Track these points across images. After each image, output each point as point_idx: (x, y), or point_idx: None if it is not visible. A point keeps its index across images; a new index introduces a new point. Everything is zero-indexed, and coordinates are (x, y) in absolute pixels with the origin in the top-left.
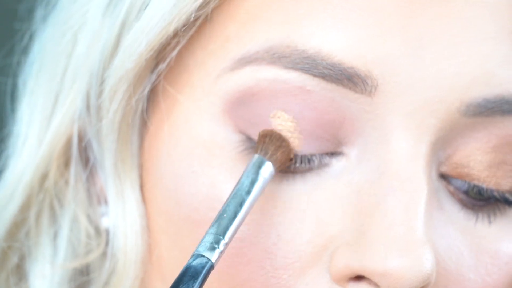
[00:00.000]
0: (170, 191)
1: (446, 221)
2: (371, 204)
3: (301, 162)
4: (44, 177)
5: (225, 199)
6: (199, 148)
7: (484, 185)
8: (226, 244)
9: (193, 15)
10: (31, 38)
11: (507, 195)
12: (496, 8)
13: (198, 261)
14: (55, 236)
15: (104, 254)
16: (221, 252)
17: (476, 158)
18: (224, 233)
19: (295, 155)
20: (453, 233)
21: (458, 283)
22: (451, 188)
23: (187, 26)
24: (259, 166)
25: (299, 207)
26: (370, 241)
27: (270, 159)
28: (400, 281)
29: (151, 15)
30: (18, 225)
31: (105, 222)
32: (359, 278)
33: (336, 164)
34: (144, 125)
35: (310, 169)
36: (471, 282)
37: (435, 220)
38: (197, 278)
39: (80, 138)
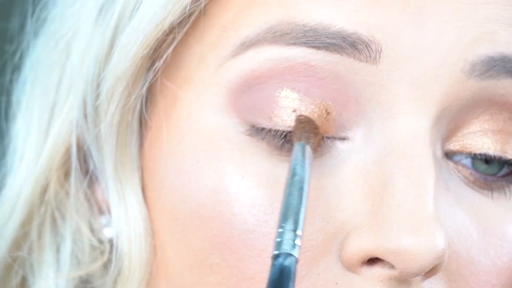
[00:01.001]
0: (175, 188)
1: (452, 202)
2: (379, 184)
3: None
4: (44, 190)
5: (233, 191)
6: (204, 142)
7: (490, 152)
8: (301, 237)
9: (187, 8)
10: (22, 55)
11: None
12: None
13: (289, 261)
14: (58, 249)
15: (108, 260)
16: (299, 247)
17: (478, 128)
18: (299, 227)
19: None
20: (460, 214)
21: (469, 265)
22: (459, 167)
23: (181, 20)
24: (304, 153)
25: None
26: (381, 221)
27: (311, 145)
28: (415, 257)
29: (145, 12)
30: (20, 240)
31: (107, 233)
32: (372, 262)
33: (342, 147)
34: (143, 126)
35: (316, 156)
36: (482, 265)
37: (442, 201)
38: (291, 278)
39: (79, 147)
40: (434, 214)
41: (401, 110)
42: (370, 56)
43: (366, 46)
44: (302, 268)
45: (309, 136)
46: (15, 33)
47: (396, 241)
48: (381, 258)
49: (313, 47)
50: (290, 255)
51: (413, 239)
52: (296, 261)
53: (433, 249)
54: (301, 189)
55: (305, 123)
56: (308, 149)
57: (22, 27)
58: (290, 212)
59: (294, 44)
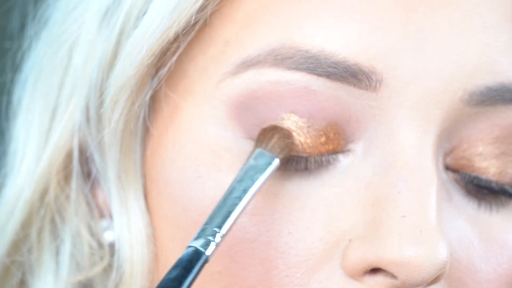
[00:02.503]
0: (176, 197)
1: (454, 212)
2: (382, 196)
3: (308, 161)
4: (44, 193)
5: None
6: (205, 153)
7: (483, 176)
8: (223, 236)
9: (193, 18)
10: (23, 55)
11: (506, 187)
12: None
13: (186, 251)
14: (57, 252)
15: (109, 266)
16: (217, 244)
17: (477, 150)
18: (215, 224)
19: (301, 156)
20: (462, 223)
21: (470, 273)
22: (457, 178)
23: (187, 29)
24: (255, 157)
25: (309, 205)
26: (384, 232)
27: (265, 149)
28: (418, 269)
29: (151, 20)
30: (20, 242)
31: (108, 237)
32: (374, 271)
33: (344, 159)
34: (146, 133)
35: (318, 167)
36: (483, 273)
37: (445, 211)
38: (187, 269)
39: (81, 151)
40: (437, 226)
41: (402, 129)
42: (370, 85)
43: (367, 77)
44: (303, 276)
45: (263, 141)
46: (16, 32)
47: (399, 253)
48: (383, 268)
49: (314, 73)
50: (191, 246)
51: (416, 251)
52: (206, 258)
53: (436, 261)
54: (233, 189)
55: (261, 131)
56: (263, 153)
57: (23, 25)
58: (214, 210)
59: (295, 69)
